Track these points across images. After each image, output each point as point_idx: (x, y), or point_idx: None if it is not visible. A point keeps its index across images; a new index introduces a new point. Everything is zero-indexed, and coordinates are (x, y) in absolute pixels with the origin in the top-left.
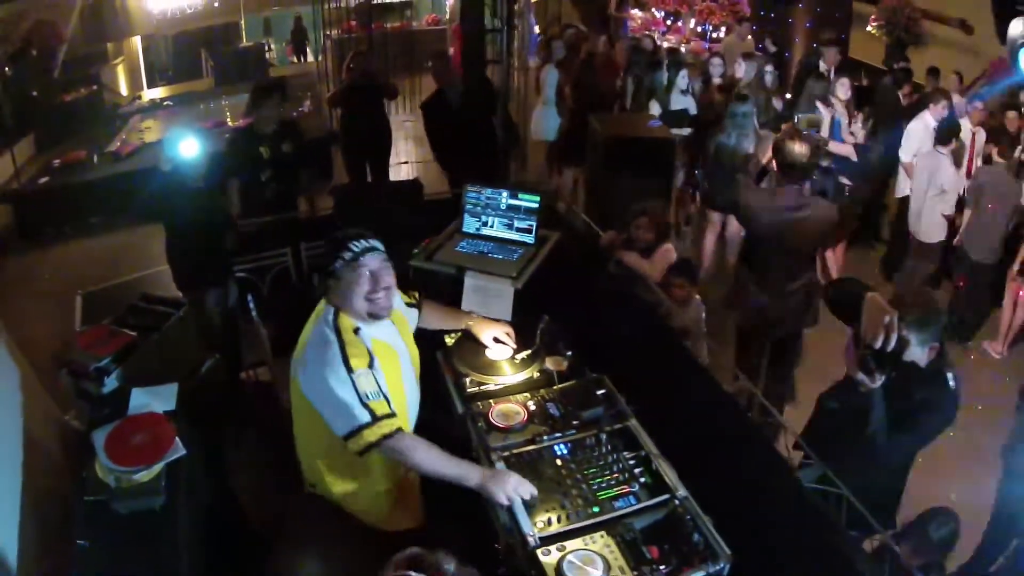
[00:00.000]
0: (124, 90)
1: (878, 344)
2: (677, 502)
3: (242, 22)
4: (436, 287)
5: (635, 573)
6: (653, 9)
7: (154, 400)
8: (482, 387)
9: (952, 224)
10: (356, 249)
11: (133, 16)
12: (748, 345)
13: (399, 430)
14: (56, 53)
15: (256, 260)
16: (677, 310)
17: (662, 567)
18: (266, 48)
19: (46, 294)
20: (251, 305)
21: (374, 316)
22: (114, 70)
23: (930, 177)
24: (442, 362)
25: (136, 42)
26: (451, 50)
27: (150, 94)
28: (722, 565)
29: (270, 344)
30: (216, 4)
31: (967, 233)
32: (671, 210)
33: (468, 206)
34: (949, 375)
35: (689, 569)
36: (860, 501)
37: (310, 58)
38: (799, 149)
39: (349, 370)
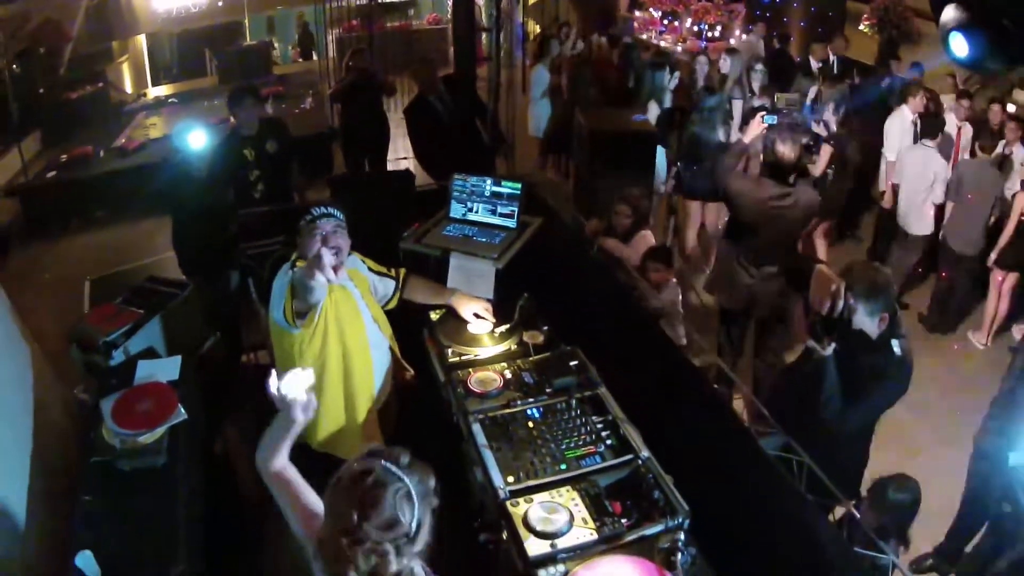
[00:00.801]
0: (129, 88)
1: (825, 310)
2: (640, 462)
3: (246, 21)
4: (424, 268)
5: (598, 523)
6: (651, 9)
7: (159, 371)
8: (463, 357)
9: (939, 216)
10: (315, 213)
11: (138, 14)
12: (731, 326)
13: None
14: (62, 51)
15: (256, 247)
16: (653, 292)
17: (624, 520)
18: (272, 47)
19: (52, 284)
20: (251, 289)
21: None
22: (119, 68)
23: (921, 171)
24: (427, 337)
25: (141, 40)
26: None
27: (155, 92)
28: (680, 520)
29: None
30: (220, 3)
31: (949, 225)
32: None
33: (455, 193)
34: (895, 342)
35: (649, 523)
36: (821, 472)
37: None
38: (787, 152)
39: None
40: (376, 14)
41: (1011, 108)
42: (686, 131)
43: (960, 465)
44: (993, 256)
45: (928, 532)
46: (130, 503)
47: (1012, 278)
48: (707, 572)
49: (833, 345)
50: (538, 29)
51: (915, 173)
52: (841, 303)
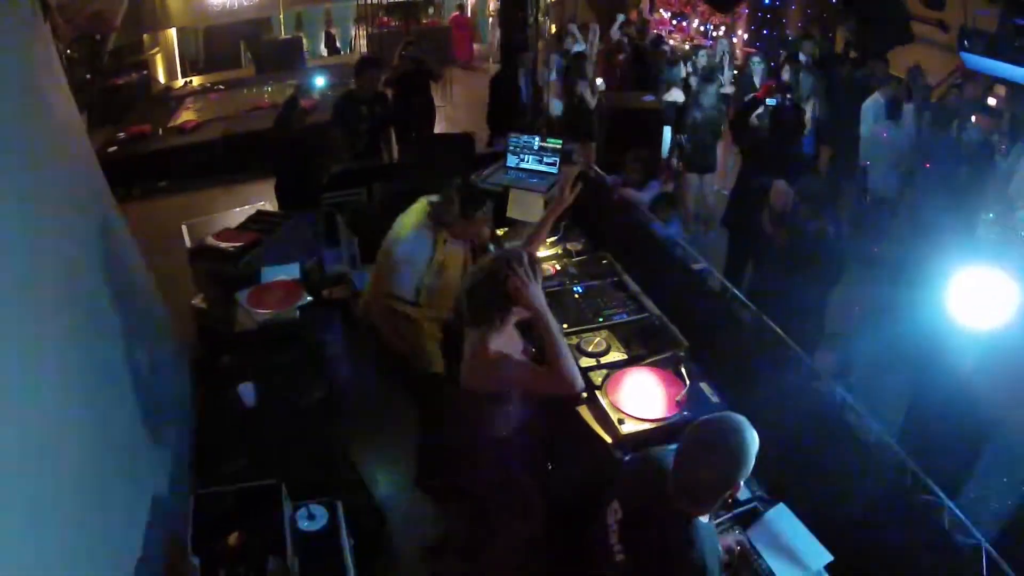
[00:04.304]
0: (162, 79)
1: (779, 209)
2: (653, 317)
3: (280, 16)
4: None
5: (626, 350)
6: (661, 10)
7: (282, 274)
8: None
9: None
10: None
11: (171, 9)
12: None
13: None
14: (107, 40)
15: (339, 196)
16: (661, 226)
17: (643, 350)
18: (301, 41)
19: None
20: (339, 224)
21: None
22: (152, 59)
23: (885, 144)
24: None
25: (171, 34)
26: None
27: (197, 80)
28: (682, 350)
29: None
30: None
31: (919, 192)
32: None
33: (510, 148)
34: (830, 230)
35: (658, 353)
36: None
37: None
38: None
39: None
40: (409, 12)
41: (991, 101)
42: (689, 115)
43: None
44: None
45: None
46: (271, 357)
47: None
48: (705, 378)
49: (786, 236)
50: (554, 28)
51: (877, 147)
52: (791, 201)
